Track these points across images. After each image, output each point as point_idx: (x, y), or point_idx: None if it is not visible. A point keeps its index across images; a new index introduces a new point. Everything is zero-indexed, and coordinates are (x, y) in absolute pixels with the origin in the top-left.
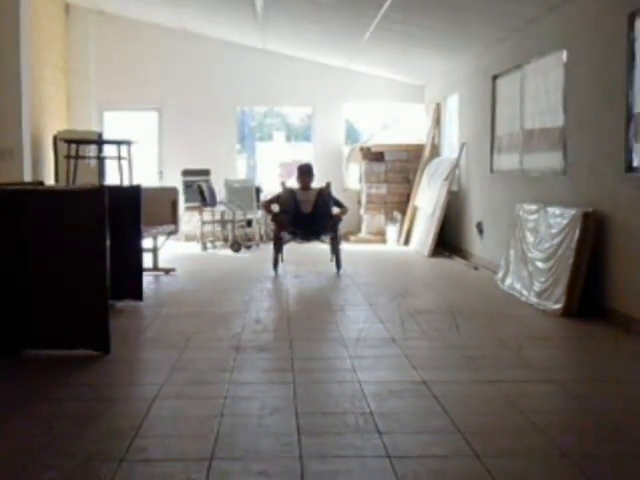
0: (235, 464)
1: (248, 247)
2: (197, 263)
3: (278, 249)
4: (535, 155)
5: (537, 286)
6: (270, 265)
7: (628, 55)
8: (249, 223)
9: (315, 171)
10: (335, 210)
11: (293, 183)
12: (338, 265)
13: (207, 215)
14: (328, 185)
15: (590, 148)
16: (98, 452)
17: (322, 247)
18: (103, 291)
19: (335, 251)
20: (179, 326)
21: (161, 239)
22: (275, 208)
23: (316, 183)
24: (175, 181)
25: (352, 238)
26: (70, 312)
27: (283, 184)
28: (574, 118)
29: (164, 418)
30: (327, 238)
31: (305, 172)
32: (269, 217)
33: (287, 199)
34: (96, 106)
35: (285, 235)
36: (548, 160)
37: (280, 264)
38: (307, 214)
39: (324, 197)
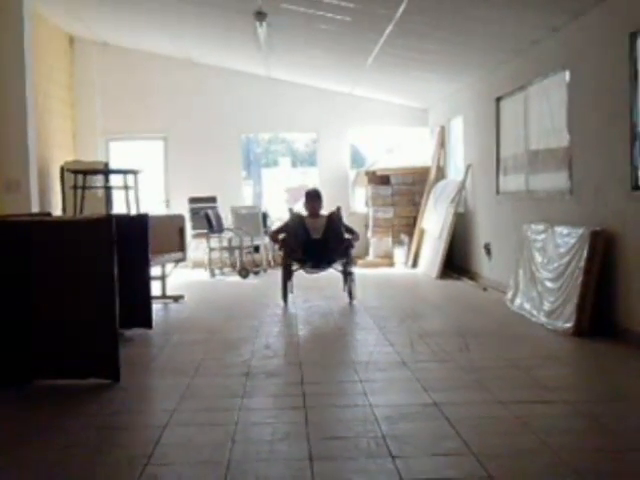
0: None
1: (256, 273)
2: (205, 290)
3: (287, 279)
4: (541, 176)
5: (547, 306)
6: (278, 291)
7: (631, 74)
8: (256, 249)
9: (323, 196)
10: (347, 236)
11: (300, 208)
12: (351, 295)
13: (214, 242)
14: (338, 209)
15: (596, 167)
16: None
17: (331, 271)
18: (112, 320)
19: (348, 278)
20: (189, 353)
21: (169, 267)
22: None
23: (324, 209)
24: (182, 209)
25: (360, 262)
26: (80, 342)
27: (291, 210)
28: (579, 138)
29: (175, 445)
30: (339, 264)
31: (313, 198)
32: (277, 246)
33: (296, 225)
34: (102, 136)
35: (294, 264)
36: (554, 180)
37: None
38: (317, 240)
39: (335, 222)
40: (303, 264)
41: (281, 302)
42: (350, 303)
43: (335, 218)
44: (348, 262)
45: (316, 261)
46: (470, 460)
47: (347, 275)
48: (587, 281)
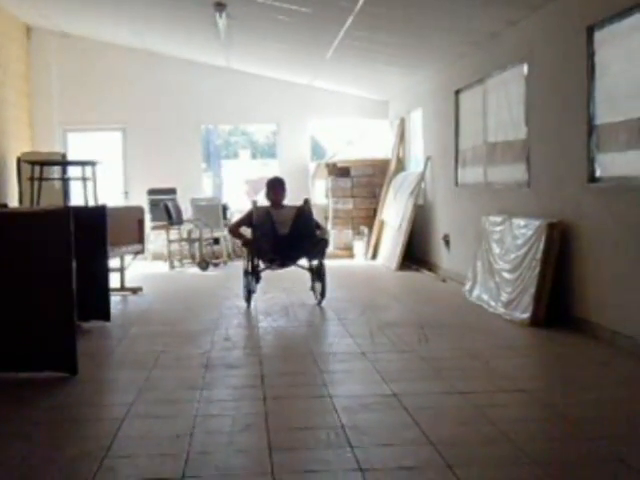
0: None
1: (216, 265)
2: (165, 282)
3: (252, 279)
4: (499, 168)
5: (504, 297)
6: (238, 282)
7: (588, 68)
8: (216, 241)
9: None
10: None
11: (261, 199)
12: (322, 294)
13: (174, 234)
14: (307, 202)
15: (553, 160)
16: (67, 475)
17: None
18: (70, 312)
19: (320, 279)
20: (147, 345)
21: (128, 258)
22: (245, 232)
23: (285, 200)
24: (141, 200)
25: None
26: (37, 334)
27: (254, 203)
28: (536, 131)
29: (134, 438)
30: (311, 264)
31: (276, 187)
32: (238, 242)
33: (262, 220)
34: (60, 127)
35: (260, 264)
36: (512, 172)
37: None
38: (285, 236)
39: (305, 216)
40: (270, 264)
41: (241, 293)
42: (319, 303)
43: (305, 213)
44: (321, 263)
45: (283, 260)
46: (429, 449)
47: (318, 274)
48: (544, 272)
